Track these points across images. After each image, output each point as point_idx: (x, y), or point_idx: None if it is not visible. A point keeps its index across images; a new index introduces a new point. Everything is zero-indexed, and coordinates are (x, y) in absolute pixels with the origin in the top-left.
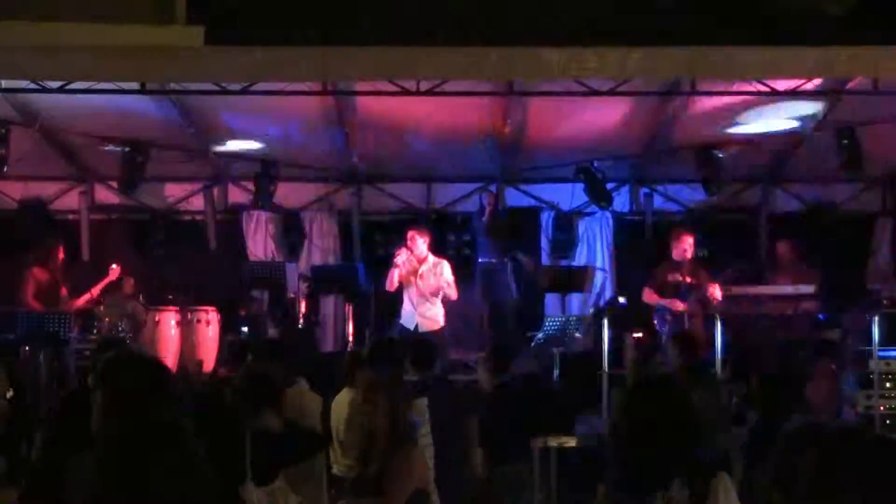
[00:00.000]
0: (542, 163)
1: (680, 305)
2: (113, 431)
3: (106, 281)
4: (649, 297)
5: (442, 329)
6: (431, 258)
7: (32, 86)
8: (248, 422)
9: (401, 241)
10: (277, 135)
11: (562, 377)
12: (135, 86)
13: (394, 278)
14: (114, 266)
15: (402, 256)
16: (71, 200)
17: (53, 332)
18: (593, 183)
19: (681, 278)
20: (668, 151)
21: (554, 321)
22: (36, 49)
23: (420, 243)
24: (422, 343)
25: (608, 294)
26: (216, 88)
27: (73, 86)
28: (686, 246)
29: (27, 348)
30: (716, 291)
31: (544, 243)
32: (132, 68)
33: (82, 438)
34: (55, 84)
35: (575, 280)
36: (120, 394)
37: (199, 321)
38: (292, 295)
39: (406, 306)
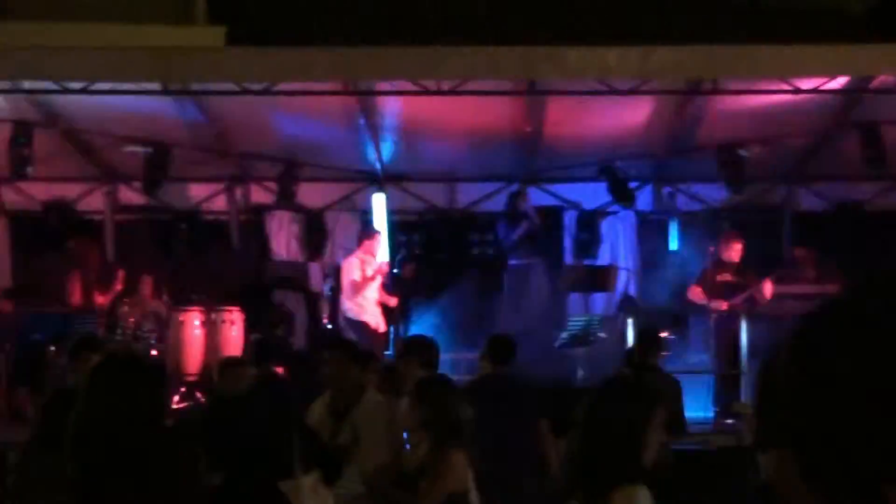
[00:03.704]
0: (565, 162)
1: (723, 305)
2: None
3: (114, 290)
4: (694, 295)
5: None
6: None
7: (55, 87)
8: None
9: (425, 240)
10: (299, 134)
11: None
12: (156, 86)
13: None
14: (121, 272)
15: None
16: (95, 201)
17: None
18: (616, 182)
19: (730, 279)
20: (690, 150)
21: (577, 321)
22: (58, 50)
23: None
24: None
25: (632, 293)
26: (237, 89)
27: (95, 86)
28: (735, 249)
29: (54, 349)
30: (767, 289)
31: (568, 243)
32: (154, 69)
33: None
34: (77, 85)
35: (599, 279)
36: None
37: (223, 321)
38: (325, 293)
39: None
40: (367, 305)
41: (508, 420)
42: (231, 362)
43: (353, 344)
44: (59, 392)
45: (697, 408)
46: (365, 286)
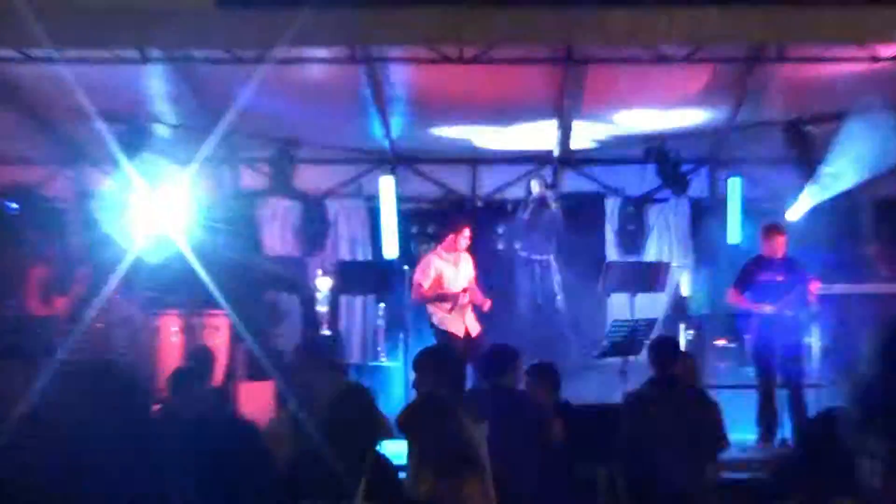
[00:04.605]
0: (606, 142)
1: (768, 308)
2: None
3: (75, 291)
4: (734, 298)
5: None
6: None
7: (15, 55)
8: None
9: (442, 231)
10: (297, 110)
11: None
12: (134, 54)
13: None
14: (83, 270)
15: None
16: (58, 186)
17: (32, 342)
18: (666, 164)
19: (773, 277)
20: (752, 127)
21: (620, 326)
22: (19, 12)
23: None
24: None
25: (684, 294)
26: (226, 56)
27: (61, 54)
28: (778, 244)
29: None
30: (814, 288)
31: (609, 235)
32: (131, 33)
33: None
34: (40, 53)
35: (645, 278)
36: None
37: (205, 327)
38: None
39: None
40: (452, 312)
41: (515, 439)
42: (186, 374)
43: (322, 352)
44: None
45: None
46: (433, 291)
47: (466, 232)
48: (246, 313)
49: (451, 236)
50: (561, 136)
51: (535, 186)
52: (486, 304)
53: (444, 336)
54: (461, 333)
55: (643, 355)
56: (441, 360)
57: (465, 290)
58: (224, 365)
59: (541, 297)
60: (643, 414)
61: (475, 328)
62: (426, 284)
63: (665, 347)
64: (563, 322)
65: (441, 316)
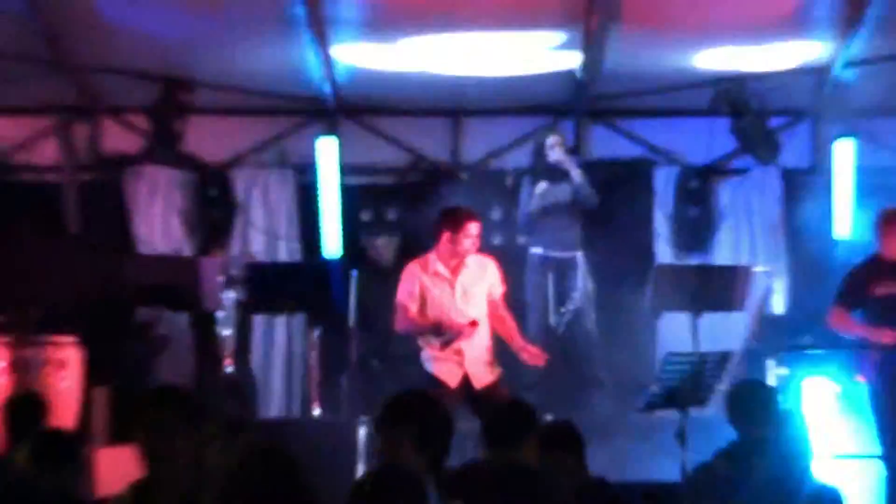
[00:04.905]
0: (654, 82)
1: (889, 337)
2: None
3: None
4: (839, 320)
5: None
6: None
7: None
8: None
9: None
10: (188, 36)
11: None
12: None
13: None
14: None
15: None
16: None
17: None
18: (746, 118)
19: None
20: (874, 64)
21: (678, 362)
22: None
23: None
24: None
25: (775, 313)
26: None
27: None
28: None
29: None
30: None
31: (660, 222)
32: None
33: None
34: None
35: (715, 290)
36: None
37: (46, 362)
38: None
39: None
40: (445, 350)
41: None
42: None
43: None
44: None
45: None
46: (428, 315)
47: (472, 227)
48: (107, 341)
49: (444, 234)
50: (585, 71)
51: (553, 147)
52: (540, 360)
53: (430, 382)
54: (454, 383)
55: (714, 407)
56: (420, 415)
57: (473, 324)
58: (73, 420)
59: (557, 315)
60: (718, 501)
61: (483, 377)
62: (415, 308)
63: (754, 396)
64: (593, 354)
65: (430, 353)
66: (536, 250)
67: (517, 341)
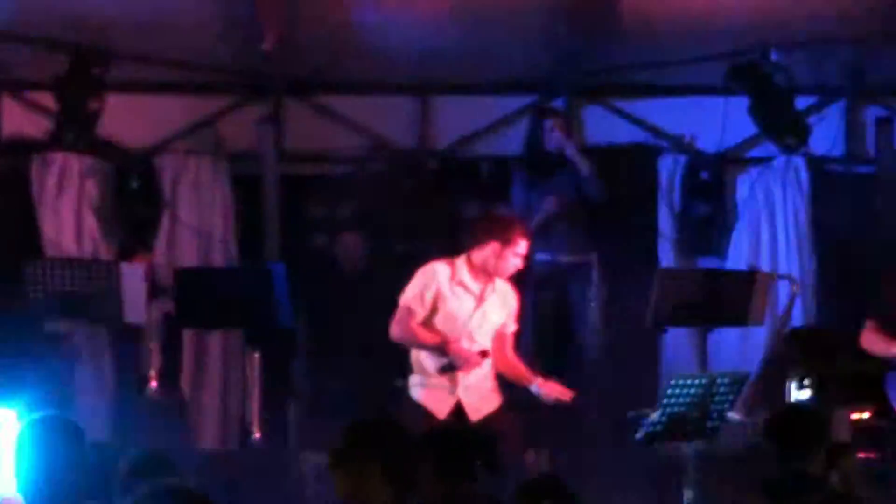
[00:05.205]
0: (660, 55)
1: None
2: None
3: None
4: (872, 340)
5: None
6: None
7: None
8: None
9: (366, 211)
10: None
11: None
12: None
13: None
14: None
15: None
16: None
17: None
18: (767, 96)
19: None
20: None
21: (684, 387)
22: None
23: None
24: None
25: (802, 324)
26: None
27: None
28: None
29: None
30: None
31: (665, 220)
32: None
33: None
34: None
35: (730, 299)
36: None
37: None
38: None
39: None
40: (444, 374)
41: None
42: None
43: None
44: None
45: None
46: (435, 327)
47: (523, 245)
48: (9, 363)
49: (490, 244)
50: (581, 46)
51: (553, 131)
52: (566, 395)
53: (413, 410)
54: (443, 413)
55: (726, 439)
56: (386, 445)
57: (484, 354)
58: None
59: (555, 333)
60: None
61: (481, 408)
62: (422, 315)
63: (797, 427)
64: (600, 375)
65: (421, 378)
66: (539, 256)
67: (530, 377)
